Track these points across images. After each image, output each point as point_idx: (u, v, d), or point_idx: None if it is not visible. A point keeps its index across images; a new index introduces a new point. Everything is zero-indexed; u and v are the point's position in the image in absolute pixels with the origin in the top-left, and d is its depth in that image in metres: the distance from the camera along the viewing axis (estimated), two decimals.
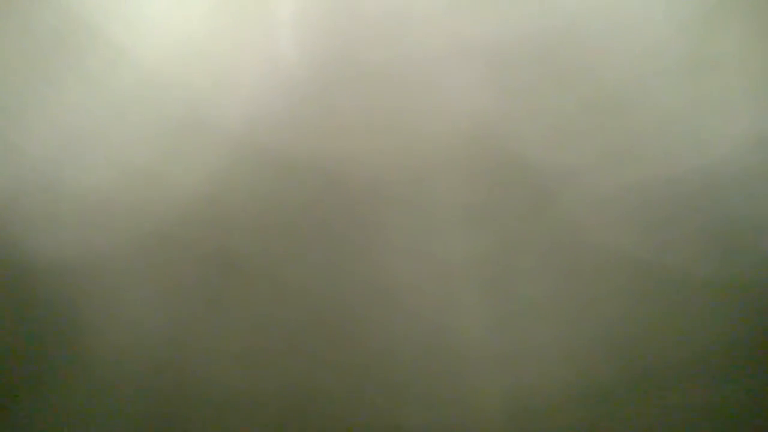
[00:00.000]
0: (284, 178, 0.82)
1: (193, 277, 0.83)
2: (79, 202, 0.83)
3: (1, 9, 0.84)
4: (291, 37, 0.82)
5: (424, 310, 0.81)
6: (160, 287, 0.83)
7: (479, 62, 0.81)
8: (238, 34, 0.83)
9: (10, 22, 0.85)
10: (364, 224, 0.82)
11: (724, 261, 0.80)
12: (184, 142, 0.83)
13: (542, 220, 0.81)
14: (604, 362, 0.81)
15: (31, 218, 0.84)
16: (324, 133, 0.82)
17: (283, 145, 0.82)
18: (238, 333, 0.82)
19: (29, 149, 0.84)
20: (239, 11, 0.83)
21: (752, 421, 0.81)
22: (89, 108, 0.83)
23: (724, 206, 0.80)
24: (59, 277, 0.83)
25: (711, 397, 0.81)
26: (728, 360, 0.81)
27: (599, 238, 0.80)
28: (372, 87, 0.82)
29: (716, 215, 0.80)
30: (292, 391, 0.82)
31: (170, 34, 0.83)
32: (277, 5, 0.83)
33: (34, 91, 0.84)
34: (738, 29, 0.81)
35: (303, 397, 0.82)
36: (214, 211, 0.82)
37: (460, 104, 0.81)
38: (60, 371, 0.84)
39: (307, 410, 0.82)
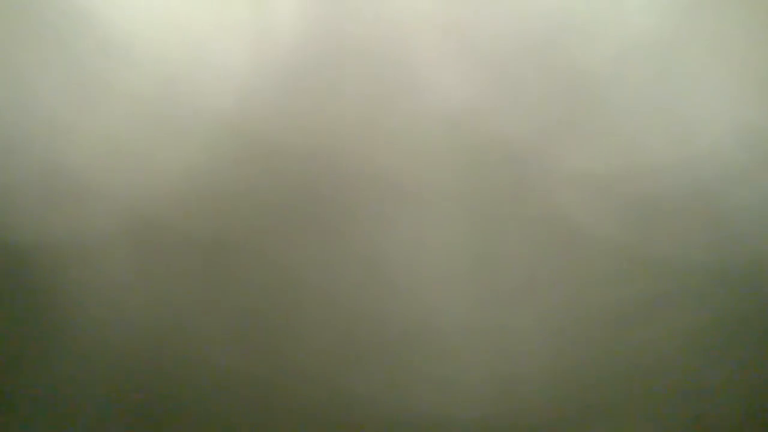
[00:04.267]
0: (274, 162, 0.82)
1: (182, 259, 0.83)
2: (69, 185, 0.83)
3: None
4: (282, 23, 0.82)
5: (411, 291, 0.82)
6: (147, 269, 0.83)
7: (466, 50, 0.81)
8: (231, 19, 0.82)
9: None
10: (353, 207, 0.82)
11: (706, 246, 0.81)
12: (175, 126, 0.82)
13: (525, 203, 0.81)
14: (587, 341, 0.82)
15: (19, 200, 0.84)
16: (313, 119, 0.82)
17: (273, 129, 0.82)
18: (227, 315, 0.83)
19: (16, 132, 0.84)
20: None
21: (735, 404, 0.82)
22: (78, 92, 0.83)
23: (706, 193, 0.81)
24: (47, 257, 0.83)
25: (692, 379, 0.82)
26: (708, 343, 0.82)
27: (580, 221, 0.81)
28: (362, 75, 0.82)
29: (698, 202, 0.81)
30: (280, 372, 0.83)
31: (163, 18, 0.83)
32: None
33: (20, 72, 0.84)
34: (720, 20, 0.81)
35: (291, 378, 0.83)
36: (204, 195, 0.82)
37: (447, 92, 0.82)
38: (48, 351, 0.84)
39: (295, 391, 0.83)
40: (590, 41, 0.81)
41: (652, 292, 0.81)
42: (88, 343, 0.84)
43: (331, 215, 0.82)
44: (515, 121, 0.81)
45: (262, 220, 0.82)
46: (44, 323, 0.84)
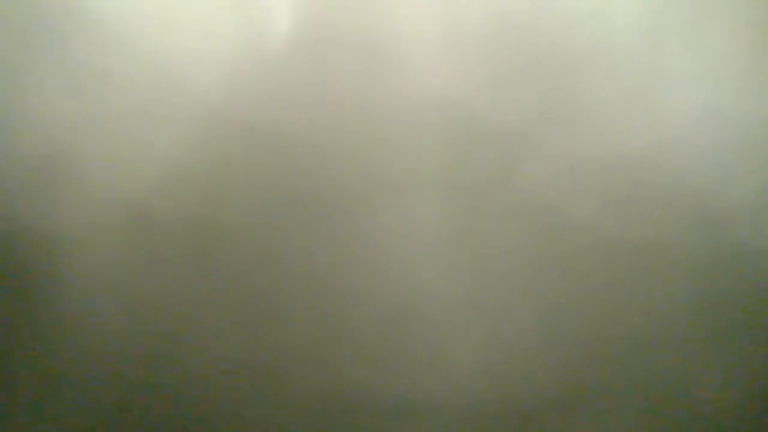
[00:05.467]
0: (264, 149, 0.82)
1: (175, 245, 0.83)
2: (62, 173, 0.84)
3: None
4: (271, 11, 0.83)
5: (400, 276, 0.82)
6: (142, 256, 0.83)
7: (449, 36, 0.82)
8: (220, 8, 0.83)
9: None
10: (342, 193, 0.82)
11: (685, 230, 0.81)
12: (167, 114, 0.83)
13: (510, 188, 0.81)
14: (572, 324, 0.82)
15: (12, 188, 0.84)
16: (302, 107, 0.82)
17: (262, 117, 0.82)
18: (220, 300, 0.83)
19: (9, 121, 0.84)
20: None
21: (719, 389, 0.82)
22: (71, 81, 0.84)
23: (682, 176, 0.81)
24: (42, 245, 0.84)
25: (677, 364, 0.82)
26: (690, 326, 0.82)
27: (564, 205, 0.81)
28: (349, 64, 0.82)
29: (675, 185, 0.81)
30: (272, 359, 0.83)
31: (154, 7, 0.83)
32: None
33: (13, 63, 0.84)
34: (696, 10, 0.82)
35: (283, 364, 0.83)
36: (197, 182, 0.83)
37: (434, 80, 0.82)
38: (43, 338, 0.85)
39: (287, 375, 0.83)
40: (572, 30, 0.81)
41: (632, 275, 0.82)
42: (84, 330, 0.84)
43: (320, 200, 0.82)
44: (500, 108, 0.82)
45: (254, 206, 0.83)
46: (39, 310, 0.84)
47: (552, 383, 0.82)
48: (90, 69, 0.83)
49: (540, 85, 0.81)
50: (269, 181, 0.82)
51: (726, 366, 0.82)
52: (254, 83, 0.82)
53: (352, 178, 0.82)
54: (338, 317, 0.83)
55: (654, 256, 0.81)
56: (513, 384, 0.83)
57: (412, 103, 0.81)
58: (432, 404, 0.83)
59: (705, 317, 0.82)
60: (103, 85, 0.83)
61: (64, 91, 0.83)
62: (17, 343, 0.85)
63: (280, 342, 0.83)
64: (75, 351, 0.84)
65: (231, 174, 0.82)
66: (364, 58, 0.82)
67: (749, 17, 0.81)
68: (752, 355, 0.83)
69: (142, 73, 0.83)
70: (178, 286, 0.83)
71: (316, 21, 0.81)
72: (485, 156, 0.81)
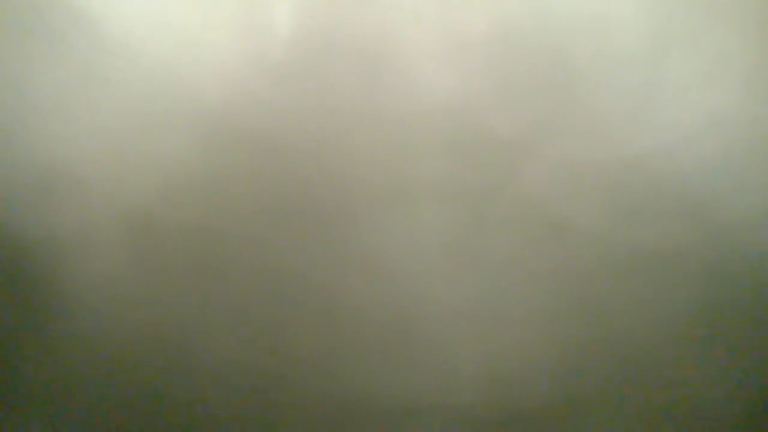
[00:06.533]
0: (267, 156, 0.82)
1: (176, 253, 0.83)
2: (64, 180, 0.84)
3: None
4: (275, 19, 0.83)
5: (404, 282, 0.82)
6: (143, 264, 0.83)
7: (451, 42, 0.82)
8: (224, 16, 0.83)
9: None
10: (345, 200, 0.82)
11: (686, 236, 0.81)
12: (170, 121, 0.83)
13: (513, 196, 0.82)
14: (574, 330, 0.82)
15: (15, 194, 0.84)
16: (305, 114, 0.82)
17: (265, 125, 0.82)
18: (223, 306, 0.83)
19: (13, 127, 0.84)
20: None
21: (720, 394, 0.82)
22: (73, 88, 0.83)
23: (684, 182, 0.81)
24: (44, 251, 0.84)
25: (678, 369, 0.82)
26: (693, 333, 0.82)
27: (567, 213, 0.81)
28: (353, 72, 0.82)
29: (677, 192, 0.81)
30: (273, 363, 0.83)
31: (157, 15, 0.83)
32: None
33: (15, 69, 0.85)
34: (697, 11, 0.82)
35: (284, 370, 0.83)
36: (199, 190, 0.83)
37: (439, 88, 0.82)
38: (45, 345, 0.85)
39: (291, 381, 0.83)
40: (575, 36, 0.81)
41: (639, 283, 0.82)
42: (86, 336, 0.84)
43: (323, 208, 0.82)
44: (503, 115, 0.82)
45: (255, 213, 0.83)
46: (42, 317, 0.85)
47: (554, 390, 0.82)
48: (90, 77, 0.83)
49: (543, 91, 0.81)
50: (270, 188, 0.82)
51: (730, 372, 0.82)
52: (256, 91, 0.82)
53: (354, 186, 0.82)
54: (339, 324, 0.83)
55: (658, 263, 0.81)
56: (514, 390, 0.83)
57: (414, 110, 0.81)
58: (433, 410, 0.83)
59: (710, 323, 0.82)
60: (103, 93, 0.83)
61: (65, 99, 0.84)
62: (18, 348, 0.85)
63: (282, 349, 0.83)
64: (76, 357, 0.85)
65: (232, 182, 0.82)
66: (365, 65, 0.82)
67: (754, 22, 0.81)
68: (758, 361, 0.82)
69: (143, 81, 0.83)
70: (179, 293, 0.83)
71: (318, 29, 0.81)
72: (488, 163, 0.82)
